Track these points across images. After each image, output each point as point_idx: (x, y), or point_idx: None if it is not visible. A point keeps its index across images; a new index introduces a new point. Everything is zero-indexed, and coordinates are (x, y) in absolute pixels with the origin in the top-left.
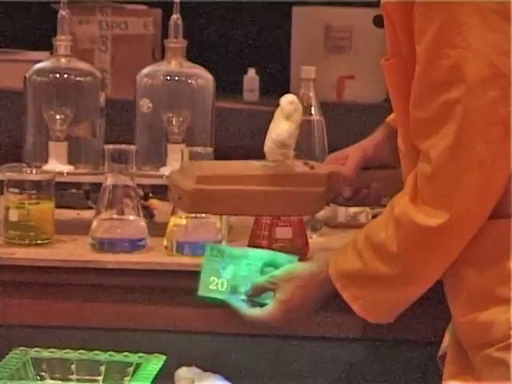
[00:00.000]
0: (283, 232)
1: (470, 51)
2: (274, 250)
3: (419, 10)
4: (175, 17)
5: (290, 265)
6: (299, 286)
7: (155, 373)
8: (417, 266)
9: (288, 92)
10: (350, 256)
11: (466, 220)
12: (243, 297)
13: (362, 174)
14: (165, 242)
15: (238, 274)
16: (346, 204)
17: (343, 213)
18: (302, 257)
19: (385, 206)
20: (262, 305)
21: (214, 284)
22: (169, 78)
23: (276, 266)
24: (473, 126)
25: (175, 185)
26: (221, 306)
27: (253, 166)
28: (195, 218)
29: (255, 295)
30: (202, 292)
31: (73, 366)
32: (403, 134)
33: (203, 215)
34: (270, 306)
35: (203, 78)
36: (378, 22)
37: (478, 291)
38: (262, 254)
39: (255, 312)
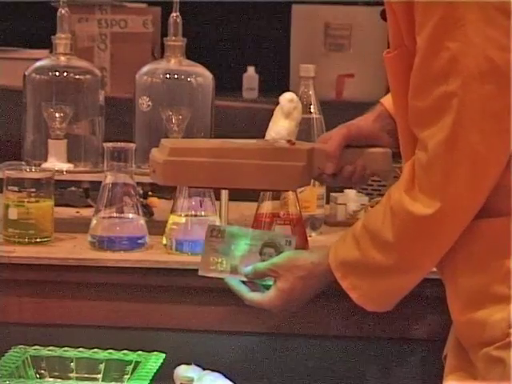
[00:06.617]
0: (282, 230)
1: (468, 45)
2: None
3: (420, 1)
4: (174, 15)
5: (291, 252)
6: (300, 276)
7: (154, 371)
8: (412, 254)
9: (287, 90)
10: (348, 245)
11: (457, 210)
12: (243, 278)
13: (346, 151)
14: (164, 240)
15: (237, 254)
16: (331, 182)
17: (343, 211)
18: None
19: (378, 190)
20: (262, 286)
21: (214, 264)
22: (168, 76)
23: (275, 247)
24: (468, 118)
25: (151, 159)
26: (223, 288)
27: (231, 142)
28: (194, 216)
29: (255, 279)
30: (202, 272)
31: (72, 364)
32: (402, 127)
33: (203, 213)
34: (271, 293)
35: (203, 76)
36: (385, 15)
37: (475, 290)
38: (261, 235)
39: (256, 296)
